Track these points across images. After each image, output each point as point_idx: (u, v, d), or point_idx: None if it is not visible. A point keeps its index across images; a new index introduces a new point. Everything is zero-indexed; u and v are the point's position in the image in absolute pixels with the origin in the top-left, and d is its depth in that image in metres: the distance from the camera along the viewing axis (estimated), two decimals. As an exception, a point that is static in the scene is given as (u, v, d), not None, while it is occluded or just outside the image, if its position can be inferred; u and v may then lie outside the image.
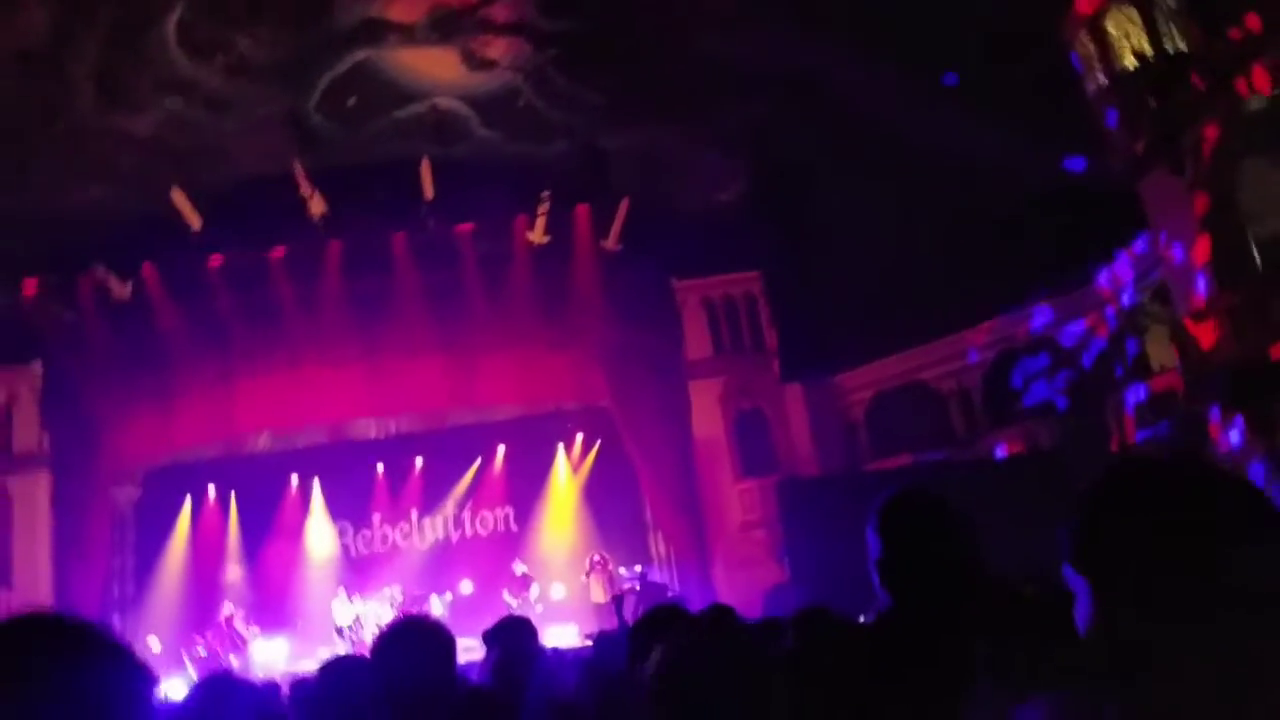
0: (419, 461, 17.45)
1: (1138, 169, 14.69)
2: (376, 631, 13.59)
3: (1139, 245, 15.46)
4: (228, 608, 14.71)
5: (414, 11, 14.80)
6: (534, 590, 15.60)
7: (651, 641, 2.18)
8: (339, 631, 14.82)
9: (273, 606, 15.65)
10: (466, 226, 16.75)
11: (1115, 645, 1.12)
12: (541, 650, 4.32)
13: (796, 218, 17.15)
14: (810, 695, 2.10)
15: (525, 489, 17.62)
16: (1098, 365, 15.98)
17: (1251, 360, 13.03)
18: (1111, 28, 14.68)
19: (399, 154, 15.96)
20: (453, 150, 16.16)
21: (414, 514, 17.56)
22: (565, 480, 17.77)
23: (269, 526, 16.76)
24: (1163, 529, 1.11)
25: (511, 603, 15.04)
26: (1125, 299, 15.64)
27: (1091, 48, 14.95)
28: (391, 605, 15.01)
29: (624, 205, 16.71)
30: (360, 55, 14.97)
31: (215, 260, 15.41)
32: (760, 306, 17.88)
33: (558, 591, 16.27)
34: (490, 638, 4.20)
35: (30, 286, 14.61)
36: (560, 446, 17.83)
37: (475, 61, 15.57)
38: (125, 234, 14.45)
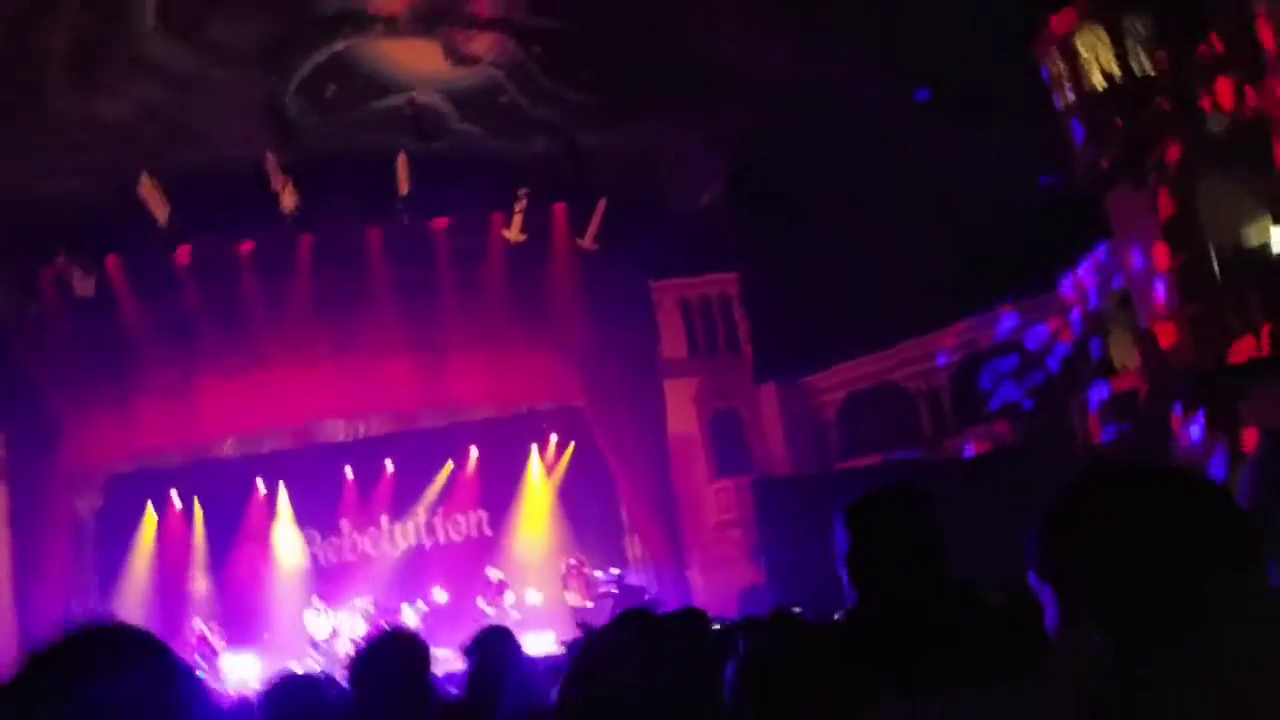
0: (389, 465, 16.95)
1: (1103, 182, 15.37)
2: (350, 645, 13.16)
3: (1101, 252, 16.17)
4: (197, 623, 14.03)
5: (397, 3, 14.40)
6: (509, 596, 15.33)
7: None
8: (314, 645, 14.27)
9: (241, 619, 14.97)
10: (442, 222, 16.41)
11: (1082, 652, 1.13)
12: (521, 660, 4.27)
13: (773, 220, 17.34)
14: (759, 695, 2.14)
15: (499, 492, 17.29)
16: (1063, 367, 16.64)
17: (1211, 363, 13.77)
18: (1082, 48, 15.29)
19: (376, 146, 15.50)
20: (431, 145, 15.76)
21: (384, 520, 17.04)
22: (540, 482, 17.51)
23: (235, 535, 16.02)
24: (1127, 535, 1.13)
25: (487, 610, 14.75)
26: (1090, 304, 16.32)
27: (1062, 65, 15.55)
28: (364, 617, 14.55)
29: (601, 204, 16.64)
30: (340, 45, 14.47)
31: (183, 254, 14.70)
32: (736, 307, 18.02)
33: (533, 597, 16.01)
34: (470, 650, 4.13)
35: (-13, 279, 13.70)
36: (534, 448, 17.57)
37: (458, 56, 15.21)
38: (90, 223, 13.63)
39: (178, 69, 13.31)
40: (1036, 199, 16.38)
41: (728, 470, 17.47)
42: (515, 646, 4.12)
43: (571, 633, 13.60)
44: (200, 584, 15.73)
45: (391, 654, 2.83)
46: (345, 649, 13.41)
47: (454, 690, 4.35)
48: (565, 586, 15.53)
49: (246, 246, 15.41)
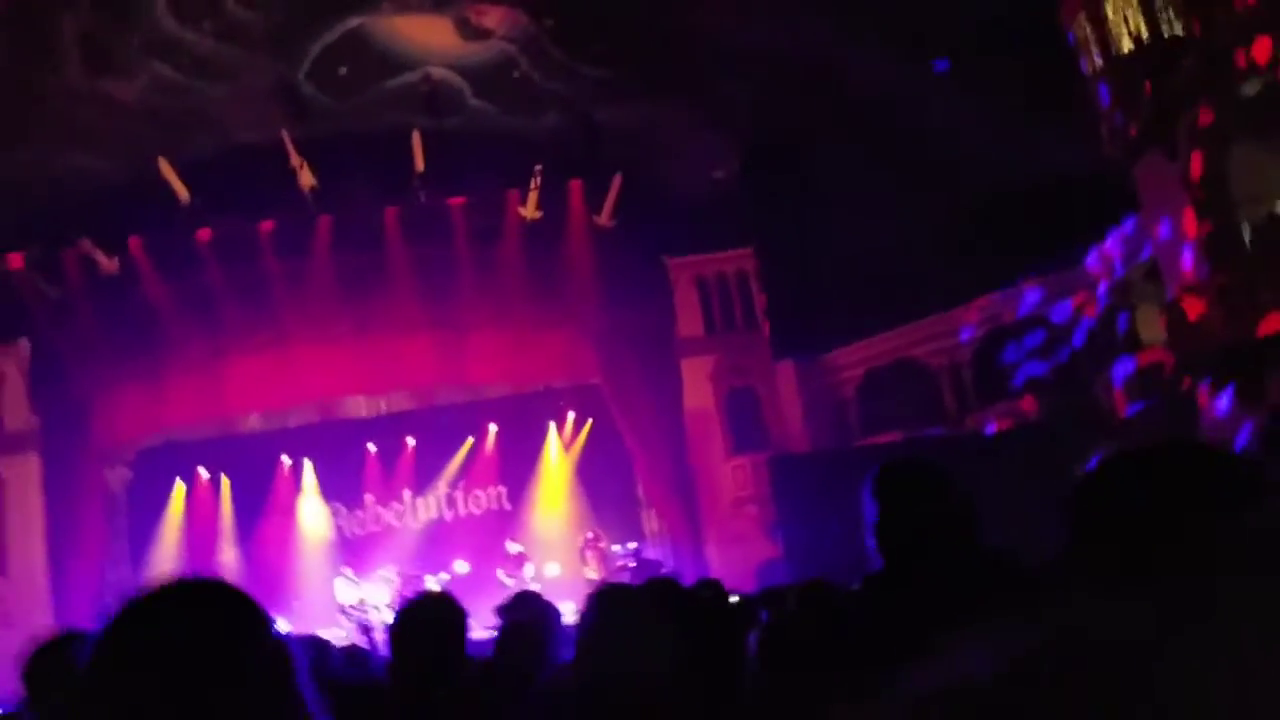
0: (410, 441, 17.28)
1: (1131, 151, 14.90)
2: (379, 613, 13.45)
3: (1128, 225, 15.70)
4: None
5: (408, -23, 14.52)
6: (529, 569, 15.56)
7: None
8: (344, 612, 14.65)
9: (269, 589, 15.44)
10: (458, 200, 16.54)
11: (1118, 629, 1.09)
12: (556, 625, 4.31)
13: (790, 195, 17.14)
14: (784, 657, 2.11)
15: (517, 468, 17.53)
16: (1088, 342, 16.24)
17: (1240, 336, 13.33)
18: (1110, 11, 14.81)
19: (390, 125, 15.68)
20: (445, 122, 15.90)
21: (406, 494, 17.41)
22: (557, 458, 17.71)
23: (261, 507, 16.54)
24: (1160, 510, 1.11)
25: (506, 581, 14.99)
26: (1116, 276, 15.88)
27: (1089, 30, 15.09)
28: (387, 586, 14.90)
29: (617, 181, 16.61)
30: (353, 22, 14.63)
31: (204, 234, 15.07)
32: (753, 283, 17.88)
33: (552, 570, 16.25)
34: (509, 609, 4.20)
35: (15, 261, 14.19)
36: (552, 425, 17.75)
37: (470, 30, 15.30)
38: (112, 205, 14.06)
39: (192, 51, 13.57)
40: (1062, 172, 15.93)
41: (744, 447, 17.41)
42: (555, 610, 4.21)
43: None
44: (229, 554, 16.24)
45: (432, 614, 2.92)
46: (374, 617, 13.83)
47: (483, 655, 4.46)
48: (583, 560, 15.73)
49: (267, 225, 15.72)
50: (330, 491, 17.07)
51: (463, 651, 2.96)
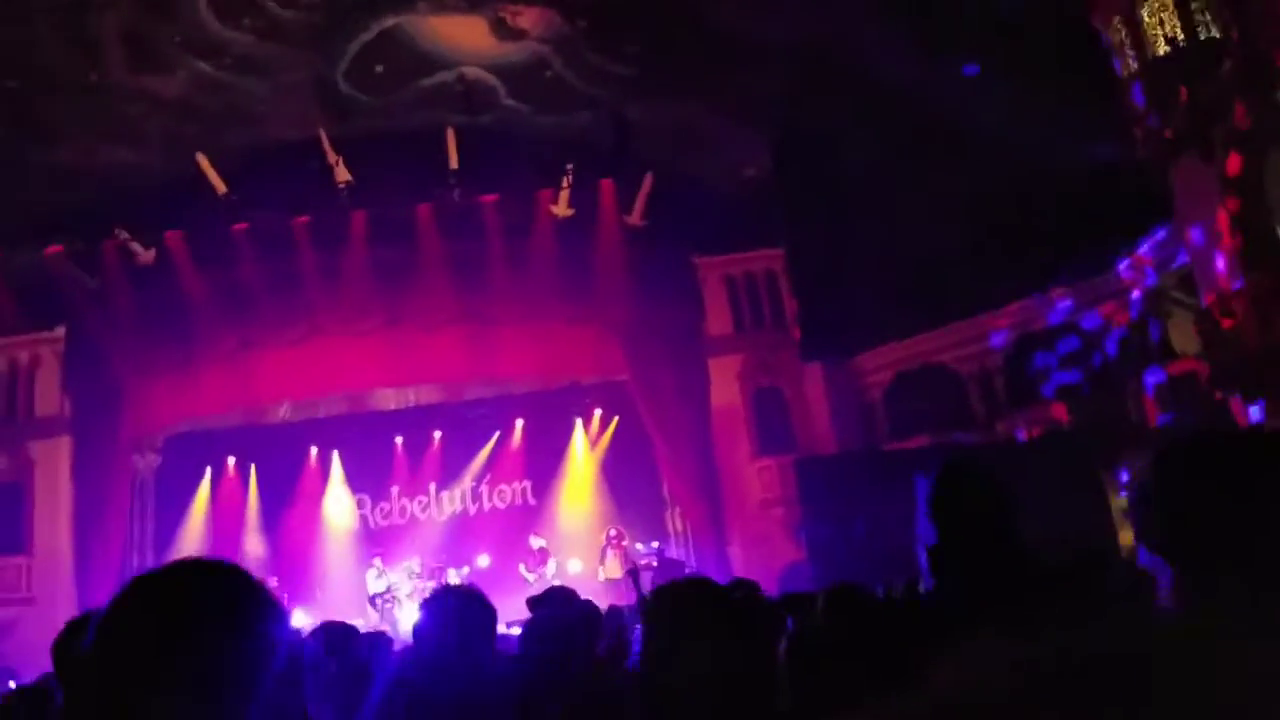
0: (437, 435, 17.42)
1: (1167, 155, 14.72)
2: (406, 603, 13.60)
3: (1161, 233, 15.52)
4: (256, 580, 14.68)
5: (443, -22, 14.63)
6: (551, 565, 15.62)
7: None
8: (371, 602, 14.81)
9: (294, 578, 15.64)
10: (491, 197, 16.65)
11: (1210, 616, 1.09)
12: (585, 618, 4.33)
13: (821, 196, 17.09)
14: (825, 666, 2.10)
15: (543, 463, 17.62)
16: (1120, 350, 16.07)
17: (1274, 345, 13.13)
18: (1145, 13, 14.66)
19: (425, 123, 15.81)
20: (479, 120, 16.01)
21: (432, 487, 17.55)
22: (583, 455, 17.77)
23: (288, 497, 16.72)
24: (1244, 498, 1.09)
25: (528, 576, 15.08)
26: (1148, 284, 15.71)
27: (1124, 33, 14.94)
28: (410, 577, 15.04)
29: (648, 180, 16.65)
30: (390, 22, 14.76)
31: (240, 227, 15.27)
32: (782, 284, 17.85)
33: (574, 566, 16.30)
34: (544, 601, 4.24)
35: (55, 250, 14.47)
36: (578, 421, 17.81)
37: (504, 30, 15.39)
38: (150, 197, 14.29)
39: (232, 49, 13.76)
40: (1094, 177, 15.78)
41: (770, 449, 17.37)
42: (594, 606, 4.31)
43: (610, 601, 13.84)
44: (254, 542, 16.43)
45: (460, 607, 2.94)
46: (401, 608, 13.99)
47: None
48: (601, 560, 15.76)
49: (302, 220, 15.90)
50: (357, 483, 17.23)
51: (491, 645, 3.00)
